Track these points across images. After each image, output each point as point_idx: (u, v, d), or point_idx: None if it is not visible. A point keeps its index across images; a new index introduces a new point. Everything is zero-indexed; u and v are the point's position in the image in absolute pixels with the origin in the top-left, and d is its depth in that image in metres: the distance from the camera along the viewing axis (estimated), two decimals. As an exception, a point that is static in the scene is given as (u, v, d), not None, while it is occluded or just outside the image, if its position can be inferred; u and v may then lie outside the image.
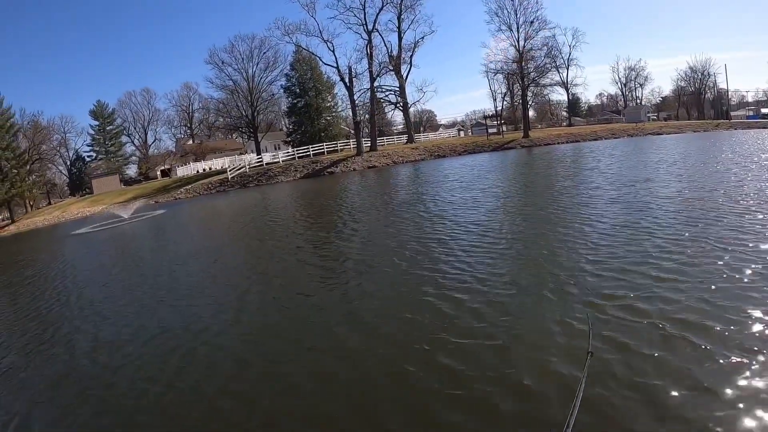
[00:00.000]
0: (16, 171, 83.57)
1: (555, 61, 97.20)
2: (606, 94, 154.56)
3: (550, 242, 13.74)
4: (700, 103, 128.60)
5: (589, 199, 20.01)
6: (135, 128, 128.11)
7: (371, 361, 8.24)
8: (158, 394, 8.44)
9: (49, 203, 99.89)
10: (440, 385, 6.94)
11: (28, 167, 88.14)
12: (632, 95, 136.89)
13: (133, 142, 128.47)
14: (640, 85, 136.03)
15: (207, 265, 19.23)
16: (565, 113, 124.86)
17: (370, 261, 14.82)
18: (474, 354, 7.73)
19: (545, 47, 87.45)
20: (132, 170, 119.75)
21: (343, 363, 8.36)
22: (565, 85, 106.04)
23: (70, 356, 11.20)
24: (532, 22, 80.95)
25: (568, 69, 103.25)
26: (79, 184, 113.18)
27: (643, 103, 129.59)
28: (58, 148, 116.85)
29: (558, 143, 71.73)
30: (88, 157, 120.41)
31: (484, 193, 26.67)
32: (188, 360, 9.57)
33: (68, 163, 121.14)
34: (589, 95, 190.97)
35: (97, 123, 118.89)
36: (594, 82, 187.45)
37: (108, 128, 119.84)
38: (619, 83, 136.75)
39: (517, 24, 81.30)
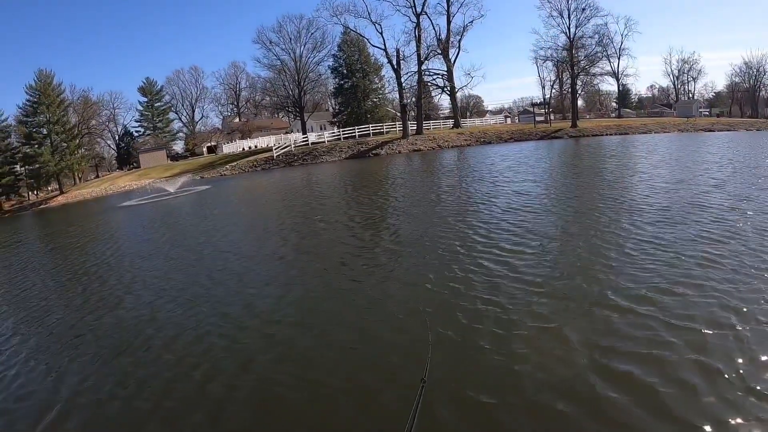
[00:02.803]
0: (65, 144, 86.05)
1: (606, 50, 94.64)
2: (657, 87, 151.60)
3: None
4: (754, 101, 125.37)
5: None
6: (182, 105, 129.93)
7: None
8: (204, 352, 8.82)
9: (97, 176, 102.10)
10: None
11: (77, 141, 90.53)
12: (684, 89, 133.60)
13: (180, 118, 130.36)
14: (693, 79, 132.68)
15: (253, 237, 19.46)
16: (614, 104, 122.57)
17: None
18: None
19: (596, 35, 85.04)
20: (179, 146, 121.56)
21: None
22: (615, 75, 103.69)
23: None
24: (583, 9, 79.06)
25: (619, 59, 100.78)
26: (126, 158, 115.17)
27: (695, 97, 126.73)
28: (107, 123, 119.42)
29: (606, 134, 70.20)
30: (136, 132, 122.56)
31: (530, 185, 26.18)
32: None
33: (116, 137, 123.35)
34: (639, 87, 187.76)
35: (145, 99, 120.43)
36: (645, 74, 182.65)
37: (156, 105, 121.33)
38: (671, 76, 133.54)
39: (569, 10, 79.41)
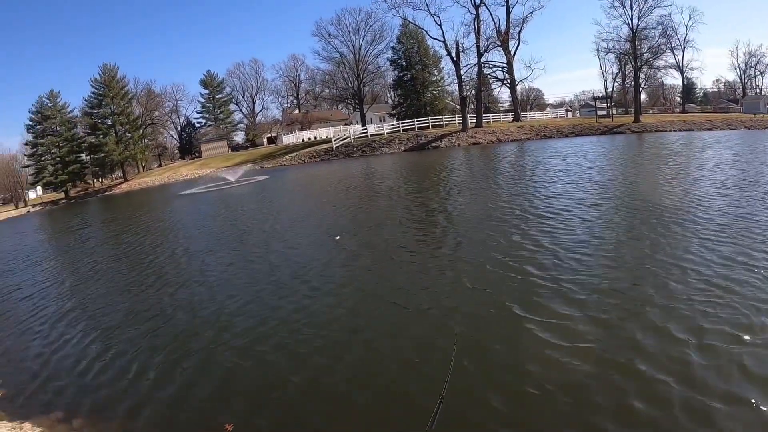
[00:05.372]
0: (130, 135, 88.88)
1: (670, 42, 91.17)
2: (723, 81, 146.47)
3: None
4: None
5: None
6: (243, 97, 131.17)
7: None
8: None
9: (160, 165, 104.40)
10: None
11: (141, 131, 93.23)
12: (751, 83, 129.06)
13: (240, 110, 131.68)
14: (761, 73, 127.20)
15: (311, 227, 19.54)
16: (678, 98, 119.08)
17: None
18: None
19: (660, 26, 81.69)
20: (239, 136, 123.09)
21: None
22: (680, 68, 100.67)
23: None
24: (646, -1, 77.23)
25: (683, 51, 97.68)
26: (188, 148, 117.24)
27: (763, 92, 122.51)
28: (169, 114, 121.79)
29: (670, 130, 68.25)
30: (198, 123, 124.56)
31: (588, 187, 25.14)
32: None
33: (179, 128, 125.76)
34: (705, 81, 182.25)
35: (207, 91, 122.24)
36: (710, 67, 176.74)
37: (217, 96, 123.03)
38: (737, 69, 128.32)
39: (631, 1, 77.75)
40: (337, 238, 15.14)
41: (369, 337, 8.58)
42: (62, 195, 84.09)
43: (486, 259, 12.08)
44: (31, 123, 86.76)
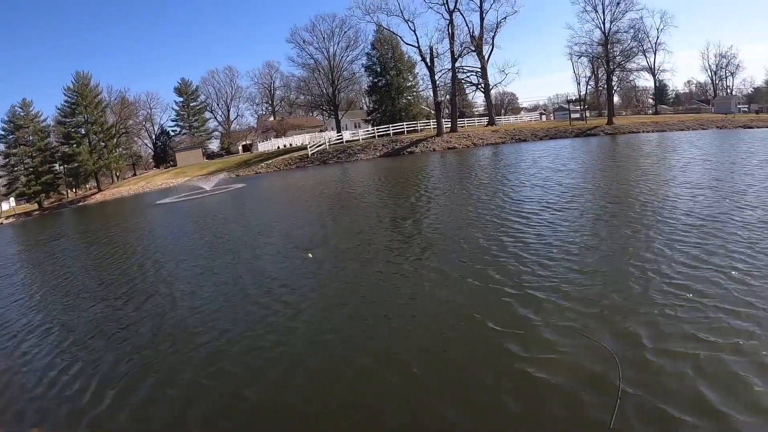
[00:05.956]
0: (103, 144, 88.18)
1: (642, 45, 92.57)
2: (695, 82, 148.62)
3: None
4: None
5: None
6: (218, 104, 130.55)
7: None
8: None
9: (135, 174, 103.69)
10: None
11: (114, 140, 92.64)
12: (722, 84, 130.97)
13: (215, 117, 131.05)
14: (731, 74, 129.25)
15: (281, 237, 19.55)
16: (651, 100, 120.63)
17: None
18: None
19: (632, 30, 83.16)
20: (214, 144, 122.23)
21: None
22: (651, 70, 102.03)
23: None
24: (618, 2, 77.26)
25: (655, 54, 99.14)
26: (163, 156, 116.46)
27: (733, 93, 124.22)
28: (143, 122, 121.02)
29: (643, 132, 69.10)
30: (173, 131, 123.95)
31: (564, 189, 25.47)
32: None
33: (153, 136, 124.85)
34: (677, 82, 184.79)
35: (181, 99, 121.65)
36: (682, 69, 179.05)
37: (192, 104, 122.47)
38: (708, 71, 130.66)
39: (603, 4, 77.91)
40: (310, 255, 14.82)
41: (328, 348, 8.63)
42: (36, 206, 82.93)
43: (452, 266, 12.27)
44: (2, 132, 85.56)
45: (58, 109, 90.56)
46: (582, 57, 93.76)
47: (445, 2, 76.63)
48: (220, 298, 12.08)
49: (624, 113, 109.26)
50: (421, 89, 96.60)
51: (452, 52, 76.93)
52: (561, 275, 10.41)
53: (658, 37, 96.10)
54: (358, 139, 75.56)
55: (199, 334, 9.95)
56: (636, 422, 5.52)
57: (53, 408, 8.03)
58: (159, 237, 24.77)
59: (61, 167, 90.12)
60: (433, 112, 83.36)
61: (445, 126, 74.29)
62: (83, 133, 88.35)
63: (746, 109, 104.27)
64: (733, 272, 9.48)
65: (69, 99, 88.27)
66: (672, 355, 6.81)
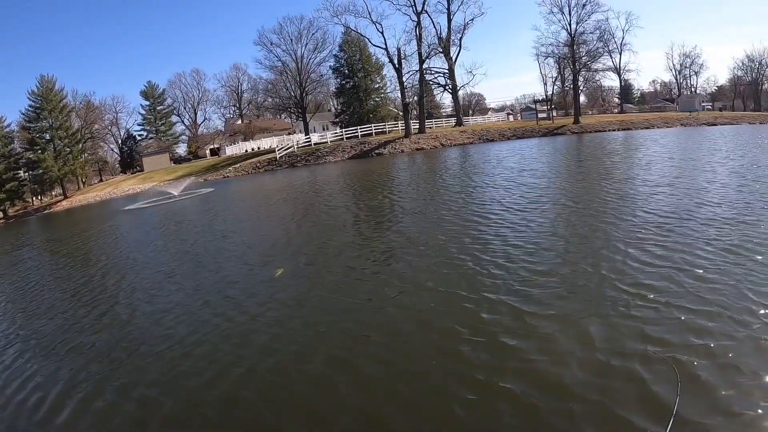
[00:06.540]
0: (69, 149, 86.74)
1: (607, 46, 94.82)
2: (659, 81, 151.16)
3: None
4: (757, 94, 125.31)
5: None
6: (185, 108, 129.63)
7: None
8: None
9: (101, 180, 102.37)
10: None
11: (80, 146, 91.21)
12: (686, 83, 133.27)
13: (183, 121, 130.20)
14: (695, 73, 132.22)
15: (250, 240, 19.51)
16: (617, 100, 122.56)
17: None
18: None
19: (597, 31, 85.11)
20: (182, 149, 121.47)
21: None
22: (617, 70, 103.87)
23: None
24: (584, 5, 78.86)
25: (621, 54, 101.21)
26: (130, 161, 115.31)
27: (697, 91, 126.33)
28: (109, 127, 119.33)
29: (609, 130, 70.21)
30: (139, 135, 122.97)
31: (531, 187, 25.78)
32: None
33: (119, 141, 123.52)
34: (642, 82, 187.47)
35: (147, 103, 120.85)
36: (647, 69, 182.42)
37: (158, 108, 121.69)
38: (673, 70, 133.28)
39: (569, 6, 79.34)
40: (278, 273, 14.08)
41: (281, 355, 8.66)
42: (0, 215, 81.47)
43: (411, 270, 12.38)
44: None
45: (23, 113, 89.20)
46: (549, 58, 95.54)
47: (413, 4, 77.04)
48: (179, 307, 12.03)
49: (590, 112, 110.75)
50: (389, 91, 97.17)
51: (420, 54, 77.23)
52: (519, 278, 10.53)
53: (623, 38, 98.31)
54: (327, 142, 75.37)
55: (158, 342, 9.98)
56: (587, 426, 5.60)
57: (10, 419, 8.00)
58: (124, 244, 24.54)
59: (26, 174, 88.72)
60: (401, 113, 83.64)
61: (413, 127, 74.53)
62: (48, 138, 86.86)
63: (710, 107, 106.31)
64: (697, 270, 9.65)
65: (33, 103, 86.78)
66: (622, 356, 6.88)
